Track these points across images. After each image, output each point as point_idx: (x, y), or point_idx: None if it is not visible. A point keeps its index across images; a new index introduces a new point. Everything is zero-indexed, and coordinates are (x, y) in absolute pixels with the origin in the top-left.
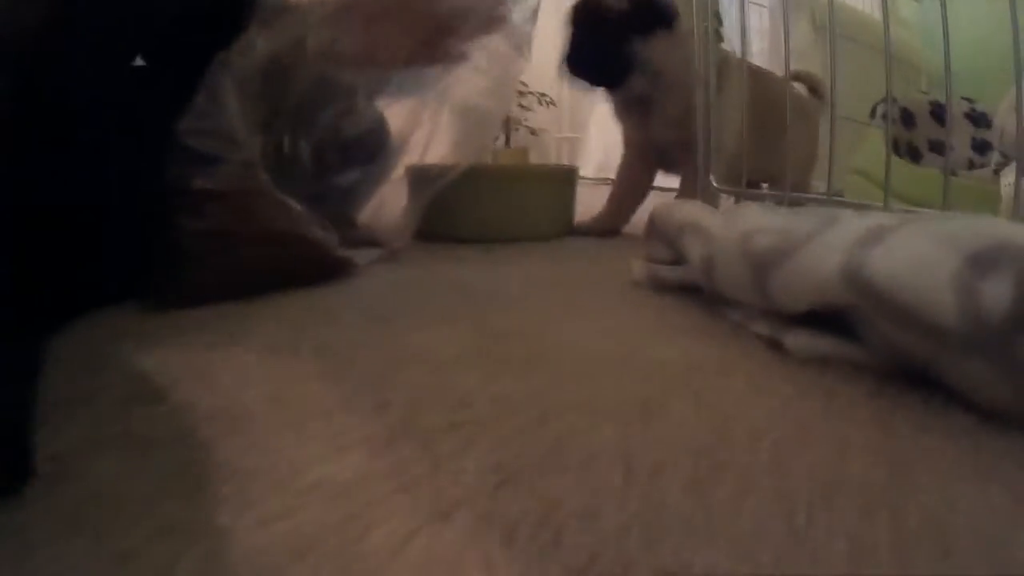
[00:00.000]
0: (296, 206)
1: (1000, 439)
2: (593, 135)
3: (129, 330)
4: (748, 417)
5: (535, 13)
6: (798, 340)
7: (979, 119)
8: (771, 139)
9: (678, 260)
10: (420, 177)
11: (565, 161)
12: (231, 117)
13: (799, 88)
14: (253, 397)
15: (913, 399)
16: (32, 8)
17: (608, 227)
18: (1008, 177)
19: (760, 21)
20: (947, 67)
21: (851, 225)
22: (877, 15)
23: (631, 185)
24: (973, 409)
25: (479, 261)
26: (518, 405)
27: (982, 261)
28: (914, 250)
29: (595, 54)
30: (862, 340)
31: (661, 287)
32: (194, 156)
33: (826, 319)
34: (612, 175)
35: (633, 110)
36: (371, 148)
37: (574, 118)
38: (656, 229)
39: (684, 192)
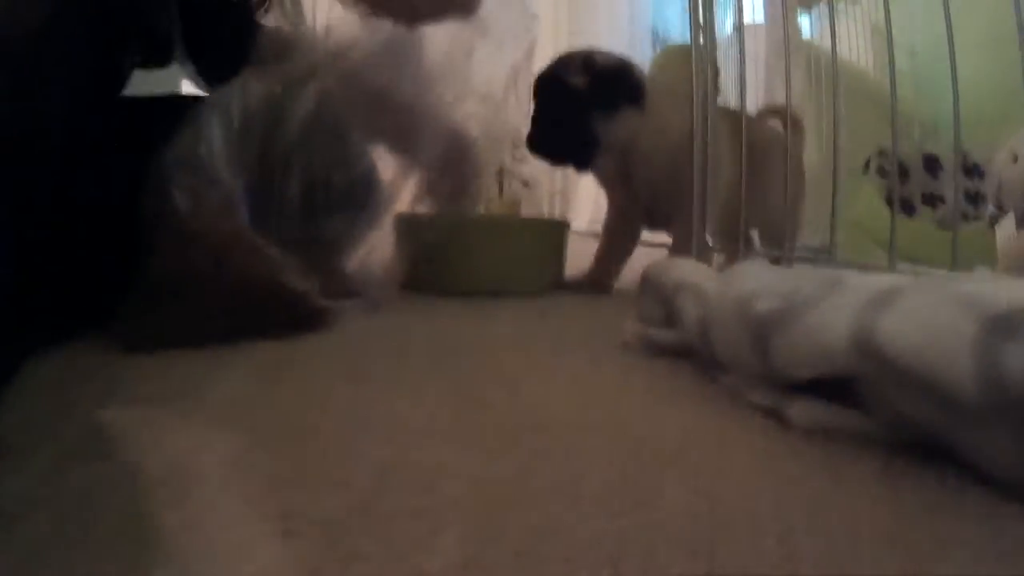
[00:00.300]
0: (274, 252)
1: (1022, 520)
2: (585, 187)
3: (94, 373)
4: (750, 503)
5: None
6: (800, 411)
7: (972, 170)
8: (755, 182)
9: (671, 321)
10: (408, 226)
11: (557, 213)
12: (214, 155)
13: (774, 124)
14: (208, 461)
15: (926, 475)
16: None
17: (597, 283)
18: (1004, 229)
19: (756, 74)
20: (956, 116)
21: (859, 287)
22: (867, 65)
23: (616, 242)
24: (991, 484)
25: (463, 316)
26: (492, 488)
27: (1003, 326)
28: (929, 314)
29: (556, 134)
30: (869, 409)
31: (653, 350)
32: (172, 192)
33: (830, 386)
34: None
35: (611, 180)
36: (361, 195)
37: (566, 170)
38: (649, 288)
39: (676, 249)
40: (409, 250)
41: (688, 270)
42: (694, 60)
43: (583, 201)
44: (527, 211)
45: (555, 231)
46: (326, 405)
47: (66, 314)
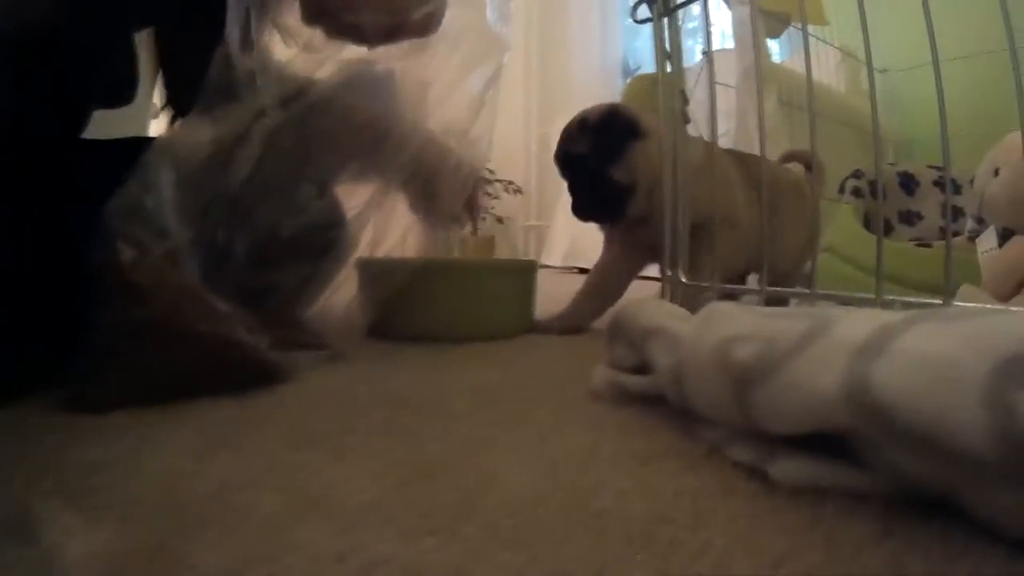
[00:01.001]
0: (223, 306)
1: None
2: (560, 223)
3: (38, 434)
4: None
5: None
6: (786, 468)
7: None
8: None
9: (644, 366)
10: (371, 271)
11: (532, 249)
12: (163, 203)
13: (795, 168)
14: (131, 548)
15: (929, 535)
16: None
17: (570, 326)
18: (984, 244)
19: (727, 101)
20: (943, 134)
21: (849, 329)
22: (839, 87)
23: (608, 285)
24: (1002, 541)
25: (426, 366)
26: None
27: (1015, 370)
28: (930, 358)
29: (590, 198)
30: (863, 462)
31: (625, 398)
32: (117, 244)
33: (819, 436)
34: (579, 264)
35: (624, 222)
36: (320, 242)
37: (541, 206)
38: (619, 332)
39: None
40: (373, 295)
41: (660, 312)
42: (661, 88)
43: (558, 236)
44: (502, 247)
45: (523, 273)
46: (264, 480)
47: (11, 372)
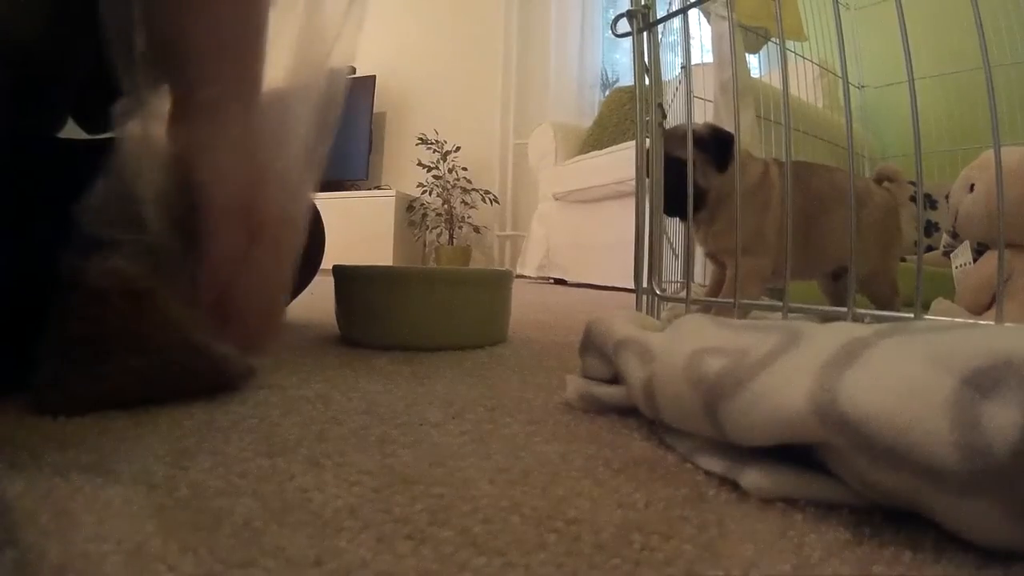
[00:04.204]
0: (186, 311)
1: None
2: (535, 233)
3: (7, 435)
4: None
5: None
6: (756, 479)
7: (925, 200)
8: (826, 234)
9: (616, 377)
10: (346, 278)
11: (507, 259)
12: (131, 203)
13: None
14: (109, 550)
15: (899, 542)
16: None
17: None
18: (959, 259)
19: (704, 116)
20: (917, 151)
21: (819, 342)
22: (816, 102)
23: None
24: (970, 548)
25: (400, 376)
26: None
27: (982, 382)
28: (898, 373)
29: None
30: (833, 472)
31: (598, 408)
32: (83, 245)
33: (789, 448)
34: (554, 274)
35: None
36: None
37: (516, 216)
38: (592, 342)
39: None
40: (347, 303)
41: (631, 324)
42: (638, 102)
43: (533, 247)
44: (477, 257)
45: (498, 282)
46: (239, 486)
47: None
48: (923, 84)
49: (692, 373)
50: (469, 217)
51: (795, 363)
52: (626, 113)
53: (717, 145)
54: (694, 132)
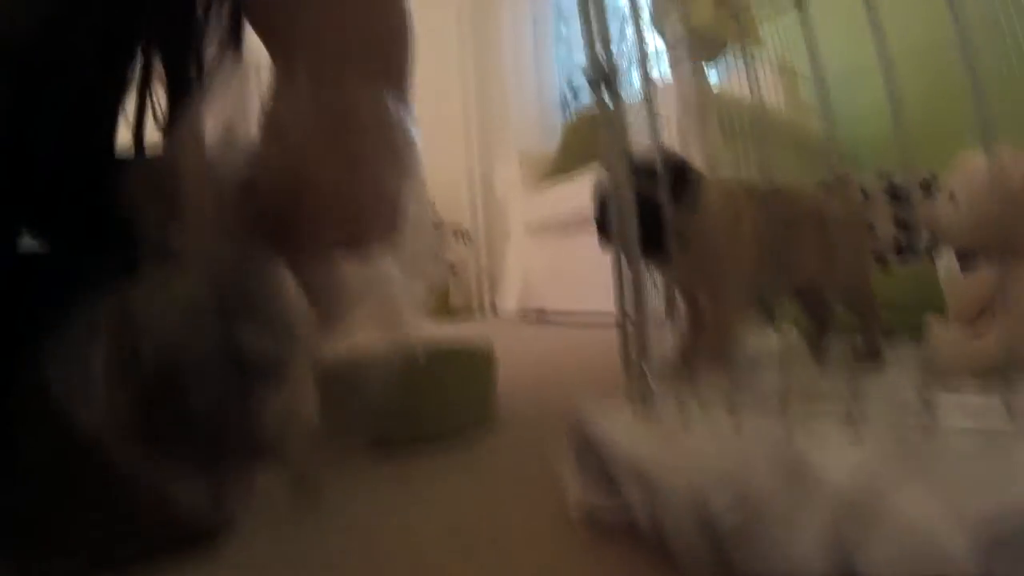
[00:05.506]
0: (154, 463)
1: None
2: (512, 265)
3: None
4: None
5: None
6: None
7: (898, 193)
8: (795, 255)
9: (614, 484)
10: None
11: (486, 294)
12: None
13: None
14: None
15: None
16: None
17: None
18: (943, 261)
19: (668, 131)
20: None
21: (829, 487)
22: (777, 102)
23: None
24: None
25: (385, 484)
26: None
27: (998, 545)
28: (916, 531)
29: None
30: None
31: (600, 525)
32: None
33: None
34: (534, 304)
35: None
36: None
37: (491, 249)
38: (580, 448)
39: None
40: (340, 406)
41: (622, 435)
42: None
43: (510, 279)
44: (456, 295)
45: (481, 357)
46: None
47: None
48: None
49: (699, 513)
50: (444, 256)
51: (806, 506)
52: (590, 137)
53: (679, 182)
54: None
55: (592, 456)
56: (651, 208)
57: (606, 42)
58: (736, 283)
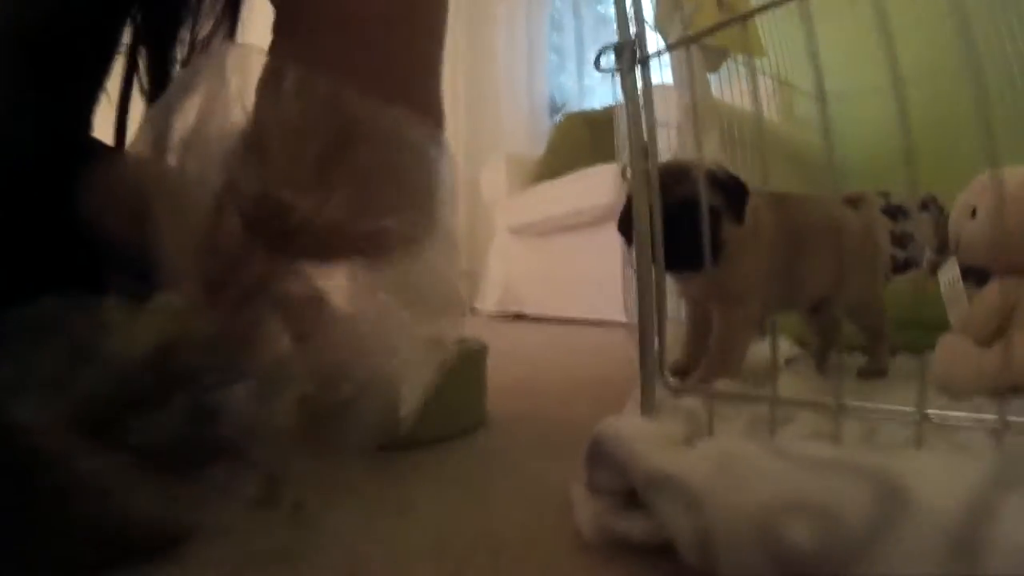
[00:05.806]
0: (104, 468)
1: None
2: (493, 268)
3: None
4: None
5: None
6: None
7: (895, 212)
8: (807, 268)
9: (635, 497)
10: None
11: (465, 294)
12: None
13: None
14: None
15: None
16: None
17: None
18: (947, 274)
19: (668, 140)
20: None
21: (933, 502)
22: (773, 116)
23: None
24: None
25: (379, 495)
26: None
27: None
28: None
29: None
30: None
31: (618, 544)
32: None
33: None
34: (513, 308)
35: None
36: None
37: (472, 251)
38: (604, 460)
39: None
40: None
41: (656, 448)
42: (632, 152)
43: (492, 281)
44: None
45: (472, 359)
46: None
47: None
48: (887, 91)
49: (767, 539)
50: None
51: (915, 540)
52: (578, 140)
53: (737, 192)
54: (711, 173)
55: (614, 475)
56: (690, 217)
57: (640, 22)
58: (751, 295)
